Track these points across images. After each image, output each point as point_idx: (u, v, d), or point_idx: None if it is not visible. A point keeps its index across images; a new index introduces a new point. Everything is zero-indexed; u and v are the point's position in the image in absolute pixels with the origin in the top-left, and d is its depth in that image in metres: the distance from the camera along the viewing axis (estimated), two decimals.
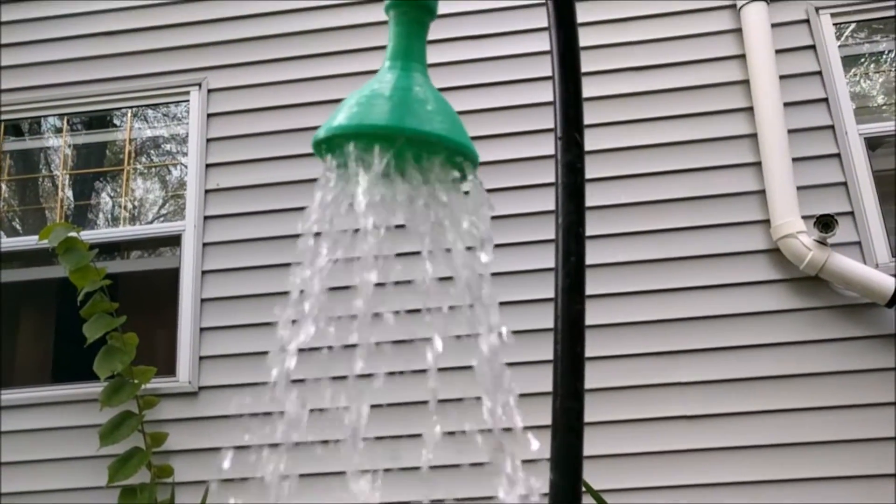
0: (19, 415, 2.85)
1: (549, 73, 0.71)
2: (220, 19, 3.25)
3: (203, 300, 2.89)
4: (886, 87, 3.18)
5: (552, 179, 0.68)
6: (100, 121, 3.66)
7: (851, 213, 2.68)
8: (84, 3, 3.36)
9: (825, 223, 2.51)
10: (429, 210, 0.58)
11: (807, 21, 2.90)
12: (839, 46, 2.89)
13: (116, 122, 3.65)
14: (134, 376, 2.66)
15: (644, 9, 3.00)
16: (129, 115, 3.53)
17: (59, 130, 3.60)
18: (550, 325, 0.63)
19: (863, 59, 3.15)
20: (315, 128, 0.59)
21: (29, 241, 3.18)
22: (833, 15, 2.90)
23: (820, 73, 2.84)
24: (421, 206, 0.57)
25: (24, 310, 3.94)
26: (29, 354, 3.95)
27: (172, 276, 2.99)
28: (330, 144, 0.60)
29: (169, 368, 2.85)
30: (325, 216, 0.56)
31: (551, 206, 0.78)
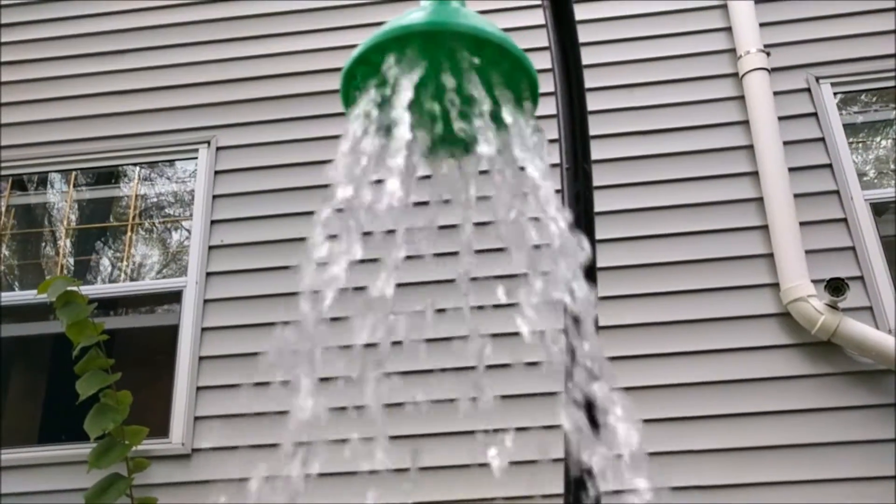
0: (4, 478, 2.72)
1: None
2: (229, 80, 3.31)
3: (201, 358, 2.82)
4: (889, 154, 3.22)
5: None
6: (106, 177, 3.67)
7: (861, 278, 2.65)
8: (98, 63, 3.43)
9: (836, 287, 2.49)
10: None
11: (808, 90, 2.96)
12: (841, 114, 2.94)
13: (123, 178, 3.65)
14: (125, 437, 2.56)
15: (651, 75, 3.06)
16: (137, 172, 3.55)
17: (64, 186, 3.61)
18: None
19: (864, 127, 3.20)
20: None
21: (27, 296, 3.12)
22: (833, 84, 2.96)
23: (823, 139, 2.88)
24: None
25: (14, 367, 3.84)
26: (16, 414, 3.83)
27: (170, 333, 2.93)
28: (362, 74, 0.50)
29: (162, 429, 2.75)
30: (355, 180, 0.47)
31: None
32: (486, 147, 0.46)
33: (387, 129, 0.48)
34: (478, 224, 0.55)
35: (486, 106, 0.46)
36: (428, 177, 0.55)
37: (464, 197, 0.51)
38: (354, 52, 0.50)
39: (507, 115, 0.48)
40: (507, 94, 0.49)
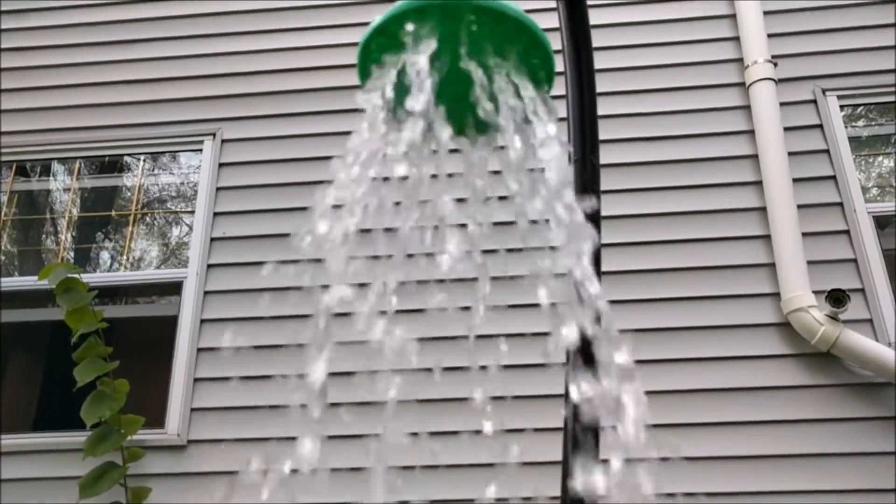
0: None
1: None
2: (236, 73, 3.32)
3: (199, 349, 2.81)
4: (893, 168, 3.22)
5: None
6: (109, 167, 3.67)
7: (862, 290, 2.65)
8: (104, 52, 3.44)
9: (836, 298, 2.49)
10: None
11: (814, 102, 2.97)
12: (846, 128, 2.94)
13: (126, 170, 3.65)
14: (121, 426, 2.55)
15: (657, 82, 3.07)
16: (141, 163, 3.55)
17: (67, 176, 3.61)
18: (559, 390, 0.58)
19: (870, 141, 3.21)
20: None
21: (27, 282, 3.12)
22: (839, 97, 2.97)
23: (828, 151, 2.88)
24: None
25: (12, 353, 3.83)
26: (12, 400, 3.82)
27: (169, 323, 2.92)
28: (379, 47, 0.49)
29: (158, 419, 2.74)
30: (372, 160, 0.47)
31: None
32: (500, 125, 0.46)
33: (401, 103, 0.47)
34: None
35: (502, 82, 0.46)
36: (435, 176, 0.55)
37: (477, 178, 0.50)
38: (373, 23, 0.50)
39: (523, 91, 0.48)
40: (523, 70, 0.49)
